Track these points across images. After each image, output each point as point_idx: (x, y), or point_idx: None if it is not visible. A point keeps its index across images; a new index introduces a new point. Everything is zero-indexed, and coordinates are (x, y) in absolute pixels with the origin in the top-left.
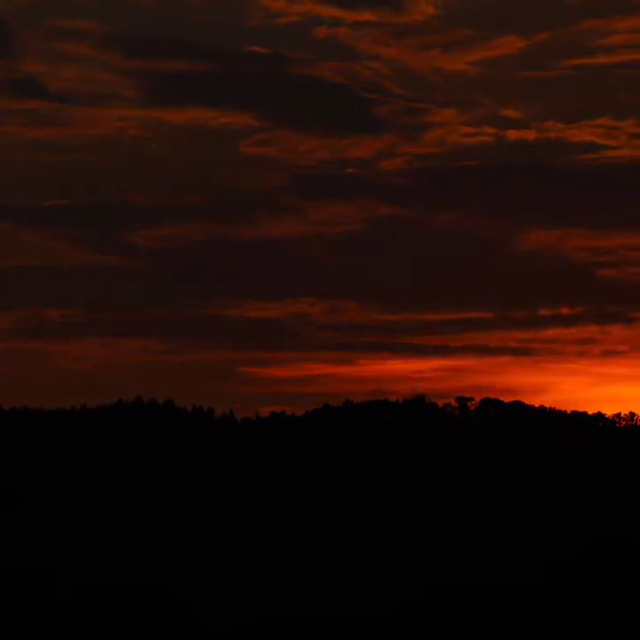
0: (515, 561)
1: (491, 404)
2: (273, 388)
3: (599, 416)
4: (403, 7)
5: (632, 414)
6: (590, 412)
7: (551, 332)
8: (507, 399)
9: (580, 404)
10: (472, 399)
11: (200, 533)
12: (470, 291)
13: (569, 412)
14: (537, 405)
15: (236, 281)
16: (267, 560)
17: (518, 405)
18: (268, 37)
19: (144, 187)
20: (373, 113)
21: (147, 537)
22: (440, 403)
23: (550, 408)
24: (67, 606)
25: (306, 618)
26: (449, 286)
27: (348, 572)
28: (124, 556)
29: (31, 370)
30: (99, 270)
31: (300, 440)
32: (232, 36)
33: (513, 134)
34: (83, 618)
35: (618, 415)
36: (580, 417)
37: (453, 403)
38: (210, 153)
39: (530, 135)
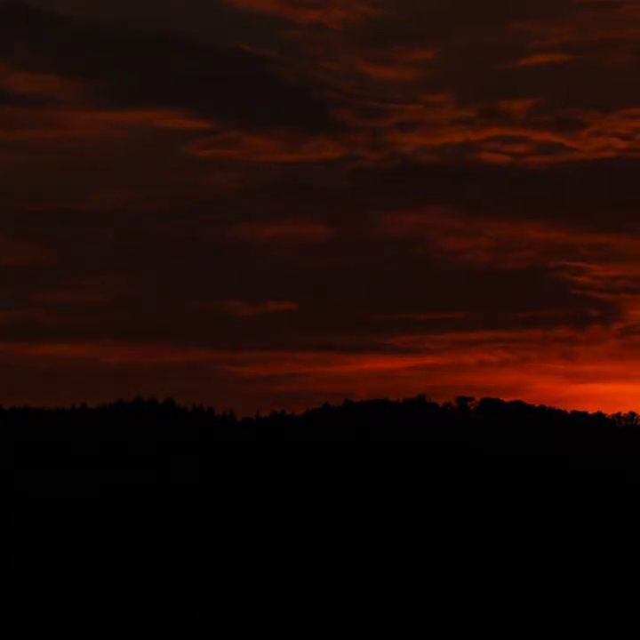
0: (515, 565)
1: (491, 404)
2: (248, 387)
3: (599, 416)
4: (350, 8)
5: (632, 414)
6: (590, 412)
7: (523, 333)
8: (506, 399)
9: (556, 402)
10: (472, 399)
11: (200, 534)
12: (441, 292)
13: (569, 411)
14: (537, 405)
15: (217, 282)
16: (267, 561)
17: (518, 405)
18: (225, 37)
19: (106, 189)
20: (332, 115)
21: (146, 537)
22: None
23: (550, 408)
24: (67, 607)
25: (305, 618)
26: (418, 288)
27: (347, 573)
28: (124, 556)
29: (30, 370)
30: (77, 270)
31: (299, 440)
32: (189, 34)
33: (473, 135)
34: (83, 619)
35: (618, 415)
36: (580, 417)
37: (453, 403)
38: (168, 154)
39: (489, 134)
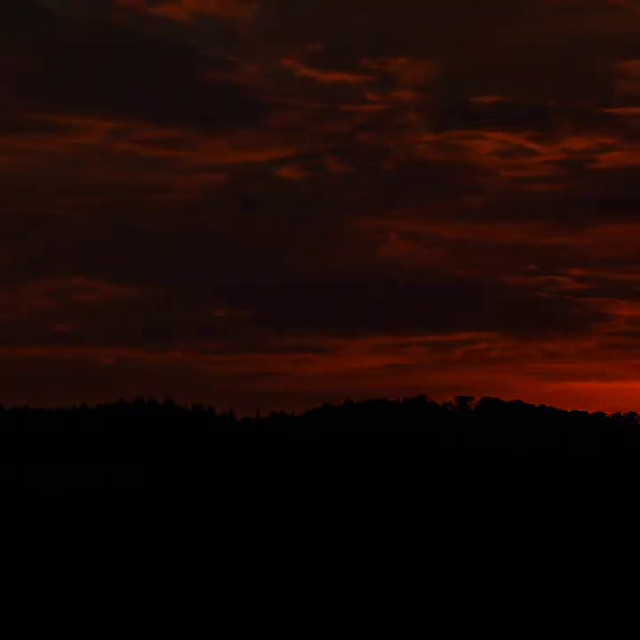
0: (515, 568)
1: (491, 404)
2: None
3: (599, 416)
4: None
5: (632, 414)
6: (590, 412)
7: (498, 334)
8: (506, 398)
9: (534, 400)
10: (471, 399)
11: (199, 535)
12: (415, 295)
13: (569, 411)
14: (537, 405)
15: (194, 286)
16: (267, 562)
17: (518, 405)
18: (180, 40)
19: (75, 194)
20: (287, 117)
21: (147, 535)
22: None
23: (550, 408)
24: (67, 609)
25: (306, 620)
26: (390, 290)
27: (345, 577)
28: (125, 553)
29: (32, 371)
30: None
31: (299, 440)
32: (144, 37)
33: (428, 137)
34: (83, 621)
35: (618, 415)
36: (580, 417)
37: (454, 402)
38: (127, 157)
39: (450, 135)
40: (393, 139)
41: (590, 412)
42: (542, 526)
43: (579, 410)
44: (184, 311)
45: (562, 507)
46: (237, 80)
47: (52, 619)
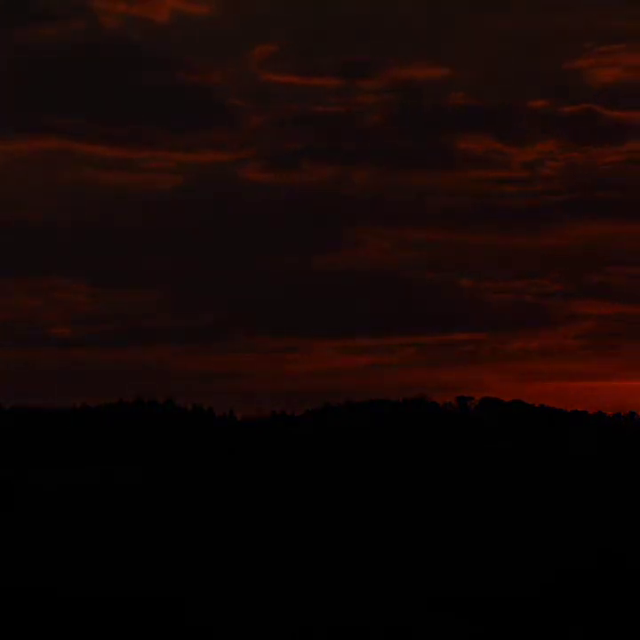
0: (515, 568)
1: (491, 404)
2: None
3: (599, 415)
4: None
5: (632, 414)
6: (591, 411)
7: (476, 335)
8: (506, 398)
9: (532, 399)
10: (471, 398)
11: (199, 535)
12: (395, 297)
13: (569, 411)
14: (537, 405)
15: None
16: (267, 562)
17: (518, 405)
18: (141, 38)
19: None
20: (247, 120)
21: (146, 538)
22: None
23: (550, 407)
24: (67, 609)
25: (306, 620)
26: (372, 293)
27: (346, 577)
28: (123, 556)
29: (32, 370)
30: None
31: (299, 440)
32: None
33: (396, 139)
34: (83, 621)
35: (618, 415)
36: (579, 416)
37: (454, 402)
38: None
39: (409, 139)
40: (360, 141)
41: (590, 412)
42: (542, 526)
43: (579, 410)
44: (183, 311)
45: (562, 507)
46: (205, 81)
47: (52, 619)
